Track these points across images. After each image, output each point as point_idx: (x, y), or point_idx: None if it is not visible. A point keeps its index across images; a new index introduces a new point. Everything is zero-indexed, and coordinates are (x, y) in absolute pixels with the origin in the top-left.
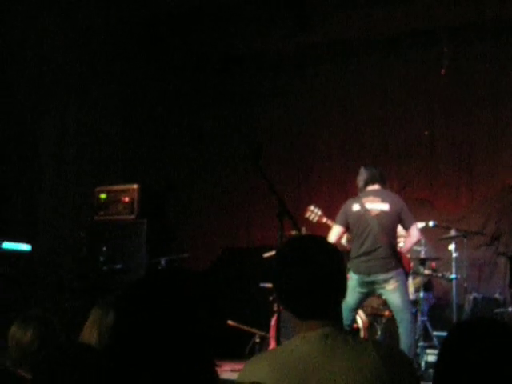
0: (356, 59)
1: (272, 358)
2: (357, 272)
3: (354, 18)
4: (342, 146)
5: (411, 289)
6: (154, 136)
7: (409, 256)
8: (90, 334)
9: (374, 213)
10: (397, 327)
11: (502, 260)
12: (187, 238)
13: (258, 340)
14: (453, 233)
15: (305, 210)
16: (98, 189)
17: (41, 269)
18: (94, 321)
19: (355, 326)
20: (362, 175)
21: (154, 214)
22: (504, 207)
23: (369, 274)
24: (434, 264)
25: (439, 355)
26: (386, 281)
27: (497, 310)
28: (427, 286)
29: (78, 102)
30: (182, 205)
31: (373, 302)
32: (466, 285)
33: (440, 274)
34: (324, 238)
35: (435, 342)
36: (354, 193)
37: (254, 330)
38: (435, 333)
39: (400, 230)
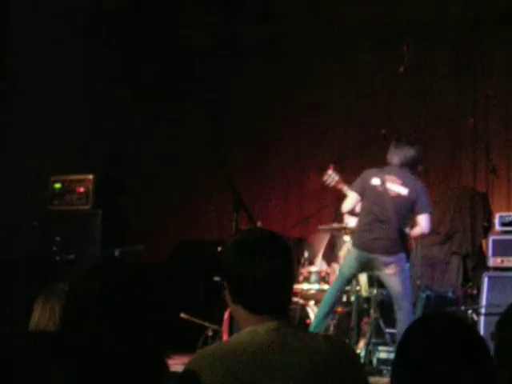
0: (318, 51)
1: (220, 351)
2: (358, 247)
3: (316, 9)
4: (301, 140)
5: (365, 286)
6: (111, 125)
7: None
8: (44, 319)
9: (392, 194)
10: (348, 324)
11: (456, 259)
12: (143, 229)
13: (210, 333)
14: (407, 231)
15: (323, 173)
16: (52, 178)
17: None
18: (48, 307)
19: (307, 321)
20: (394, 154)
21: (110, 204)
22: (458, 207)
23: (370, 252)
24: None
25: (397, 351)
26: (386, 264)
27: (449, 309)
28: (380, 283)
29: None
30: (138, 196)
31: None
32: (419, 283)
33: None
34: (275, 233)
35: (388, 338)
36: (308, 190)
37: (206, 324)
38: (387, 330)
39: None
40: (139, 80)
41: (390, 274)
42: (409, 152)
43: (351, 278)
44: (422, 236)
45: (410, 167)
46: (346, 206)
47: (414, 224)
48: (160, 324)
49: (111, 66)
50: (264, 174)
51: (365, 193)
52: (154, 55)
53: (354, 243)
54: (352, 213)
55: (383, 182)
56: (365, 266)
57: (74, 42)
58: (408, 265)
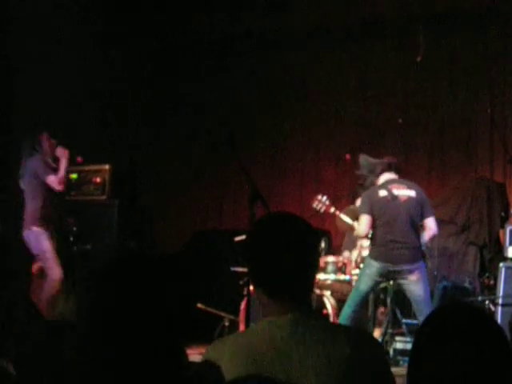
0: (332, 44)
1: (237, 341)
2: (381, 260)
3: (330, 3)
4: (315, 131)
5: None
6: (127, 116)
7: None
8: (65, 306)
9: (402, 199)
10: (364, 313)
11: (472, 249)
12: (159, 220)
13: (227, 324)
14: (434, 236)
15: (312, 199)
16: (69, 168)
17: (13, 248)
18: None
19: (324, 311)
20: (379, 163)
21: (126, 195)
22: (475, 197)
23: (395, 264)
24: None
25: (414, 341)
26: (410, 271)
27: (466, 299)
28: None
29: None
30: (155, 187)
31: (342, 287)
32: (436, 273)
33: None
34: (298, 216)
35: (404, 329)
36: (324, 180)
37: (223, 314)
38: (404, 320)
39: None
40: (151, 71)
41: (415, 281)
42: (392, 160)
43: (369, 294)
44: (433, 236)
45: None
46: (362, 229)
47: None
48: (178, 314)
49: (124, 63)
50: (280, 165)
51: (375, 208)
52: (168, 48)
53: (375, 257)
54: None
55: (390, 191)
56: (386, 277)
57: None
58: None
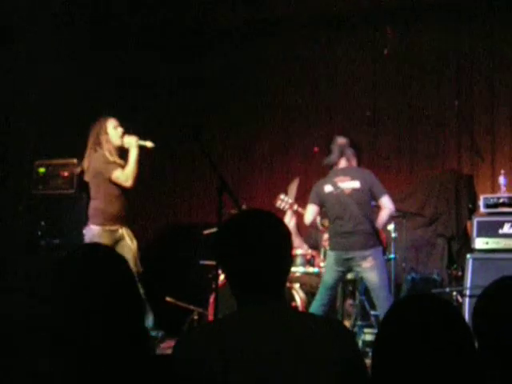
0: (301, 36)
1: (208, 331)
2: (334, 249)
3: None
4: (285, 124)
5: None
6: (95, 108)
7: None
8: None
9: (347, 192)
10: (332, 305)
11: (440, 241)
12: (128, 212)
13: (196, 317)
14: (392, 213)
15: (275, 198)
16: (37, 162)
17: None
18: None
19: (293, 304)
20: (332, 153)
21: None
22: (443, 189)
23: (347, 251)
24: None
25: (378, 331)
26: (362, 258)
27: (434, 290)
28: None
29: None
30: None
31: (311, 280)
32: (404, 265)
33: None
34: (270, 212)
35: (373, 320)
36: (293, 173)
37: (192, 307)
38: (373, 312)
39: None
40: (127, 67)
41: (369, 267)
42: (342, 146)
43: (335, 286)
44: (390, 214)
45: (348, 159)
46: (307, 218)
47: (377, 211)
48: (135, 301)
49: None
50: (250, 158)
51: (325, 203)
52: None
53: (331, 247)
54: (314, 225)
55: (335, 185)
56: (344, 267)
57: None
58: (385, 258)
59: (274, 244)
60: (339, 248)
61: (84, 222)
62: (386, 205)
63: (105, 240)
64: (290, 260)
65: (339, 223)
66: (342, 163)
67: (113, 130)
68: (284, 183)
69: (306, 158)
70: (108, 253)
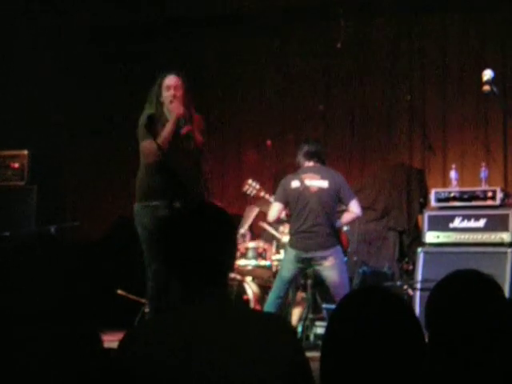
0: (254, 30)
1: (153, 326)
2: (294, 247)
3: None
4: (238, 117)
5: None
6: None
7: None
8: None
9: (313, 190)
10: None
11: (392, 235)
12: (81, 205)
13: (147, 310)
14: (343, 207)
15: (243, 183)
16: None
17: None
18: None
19: (245, 297)
20: (301, 150)
21: (46, 180)
22: (394, 183)
23: (306, 251)
24: None
25: (328, 324)
26: (323, 258)
27: (385, 284)
28: None
29: None
30: (76, 172)
31: (263, 273)
32: (355, 258)
33: None
34: (213, 204)
35: (324, 314)
36: (246, 164)
37: (143, 300)
38: (324, 305)
39: None
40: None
41: (329, 266)
42: (313, 146)
43: (292, 280)
44: (356, 219)
45: (321, 160)
46: (271, 215)
47: (342, 213)
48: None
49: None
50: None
51: (289, 199)
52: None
53: (290, 244)
54: (278, 221)
55: (302, 182)
56: (303, 264)
57: None
58: (345, 259)
59: (216, 236)
60: (299, 247)
61: (35, 213)
62: (353, 210)
63: (145, 218)
64: (232, 254)
65: (299, 220)
66: (312, 162)
67: (165, 88)
68: (236, 175)
69: (259, 151)
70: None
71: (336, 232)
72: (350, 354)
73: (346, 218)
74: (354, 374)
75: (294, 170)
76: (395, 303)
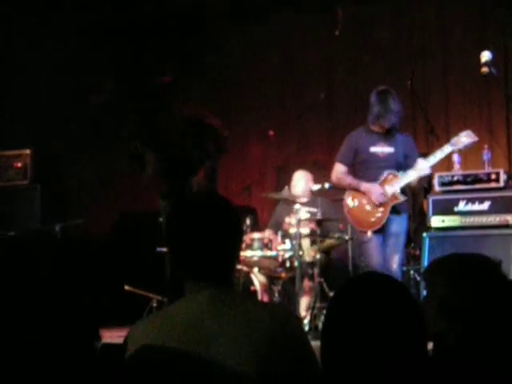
0: (255, 18)
1: (158, 320)
2: None
3: None
4: (240, 108)
5: (308, 251)
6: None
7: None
8: None
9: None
10: (292, 289)
11: None
12: (85, 202)
13: (155, 304)
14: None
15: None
16: None
17: None
18: None
19: (252, 288)
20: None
21: (49, 179)
22: None
23: None
24: (341, 225)
25: (327, 310)
26: None
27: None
28: (323, 248)
29: None
30: (79, 169)
31: (270, 264)
32: None
33: (337, 236)
34: (220, 196)
35: None
36: (250, 156)
37: (151, 295)
38: (332, 293)
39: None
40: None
41: None
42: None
43: None
44: None
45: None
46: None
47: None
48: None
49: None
50: None
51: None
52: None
53: None
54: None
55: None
56: None
57: None
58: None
59: (221, 229)
60: None
61: (39, 212)
62: None
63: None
64: (237, 246)
65: None
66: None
67: None
68: (240, 167)
69: (262, 142)
70: None
71: None
72: (349, 339)
73: None
74: (354, 360)
75: (297, 160)
76: (394, 288)
